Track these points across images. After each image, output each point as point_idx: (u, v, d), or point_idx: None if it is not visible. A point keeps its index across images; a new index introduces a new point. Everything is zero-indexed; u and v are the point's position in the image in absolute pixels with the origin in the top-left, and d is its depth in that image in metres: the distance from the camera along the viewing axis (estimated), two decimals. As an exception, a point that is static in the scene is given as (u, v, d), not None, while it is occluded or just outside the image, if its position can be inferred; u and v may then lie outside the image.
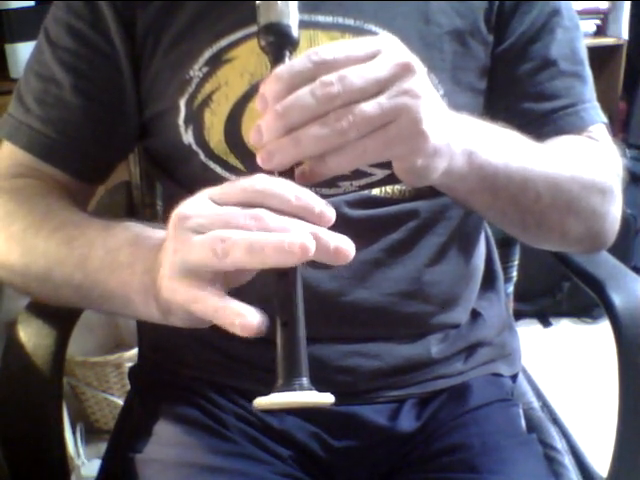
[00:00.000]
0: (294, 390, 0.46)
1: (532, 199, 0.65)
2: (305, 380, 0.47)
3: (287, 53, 0.53)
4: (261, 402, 0.47)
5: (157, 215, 1.02)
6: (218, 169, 0.70)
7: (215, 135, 0.69)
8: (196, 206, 0.48)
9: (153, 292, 0.53)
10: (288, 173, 0.49)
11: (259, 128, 0.48)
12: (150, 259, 0.54)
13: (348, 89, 0.47)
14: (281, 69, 0.49)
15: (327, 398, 0.47)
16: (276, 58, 0.53)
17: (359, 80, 0.47)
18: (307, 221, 0.46)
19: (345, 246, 0.46)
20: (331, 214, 0.47)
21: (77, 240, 0.62)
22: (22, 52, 1.59)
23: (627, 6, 2.28)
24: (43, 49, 0.72)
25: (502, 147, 0.62)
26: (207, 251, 0.46)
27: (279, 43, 0.53)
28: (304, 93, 0.47)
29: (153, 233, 0.57)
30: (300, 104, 0.47)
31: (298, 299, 0.48)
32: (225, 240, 0.45)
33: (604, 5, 2.29)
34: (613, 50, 2.30)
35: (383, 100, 0.48)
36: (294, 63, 0.49)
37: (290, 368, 0.47)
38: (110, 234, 0.60)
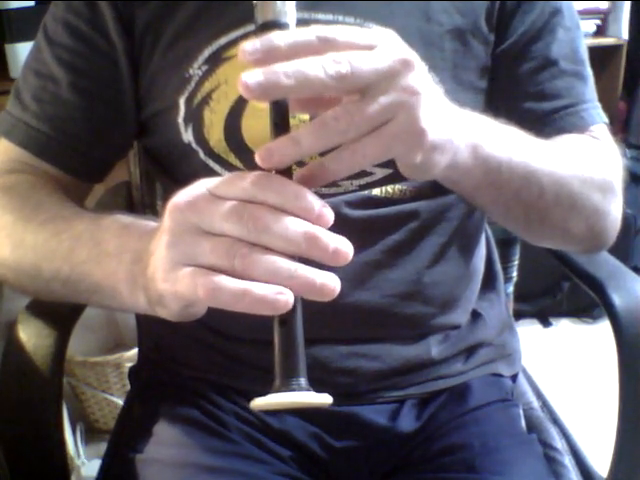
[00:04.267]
0: (292, 390, 0.46)
1: (536, 194, 0.65)
2: (303, 380, 0.47)
3: None
4: (259, 403, 0.47)
5: (157, 215, 1.02)
6: (217, 168, 0.70)
7: (215, 134, 0.69)
8: (193, 198, 0.47)
9: (142, 282, 0.52)
10: (287, 172, 0.49)
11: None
12: (139, 249, 0.53)
13: (356, 72, 0.45)
14: (283, 34, 0.46)
15: (325, 398, 0.47)
16: None
17: (365, 66, 0.45)
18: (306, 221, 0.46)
19: (344, 247, 0.45)
20: (330, 215, 0.46)
21: (65, 233, 0.62)
22: (22, 52, 1.59)
23: (627, 6, 2.28)
24: (41, 47, 0.72)
25: (505, 142, 0.62)
26: (221, 259, 0.45)
27: None
28: (315, 63, 0.45)
29: (142, 223, 0.57)
30: (311, 73, 0.44)
31: (296, 298, 0.48)
32: (245, 256, 0.44)
33: (604, 5, 2.29)
34: (613, 50, 2.29)
35: (381, 98, 0.47)
36: (298, 33, 0.46)
37: (288, 368, 0.47)
38: (98, 226, 0.60)
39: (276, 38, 0.45)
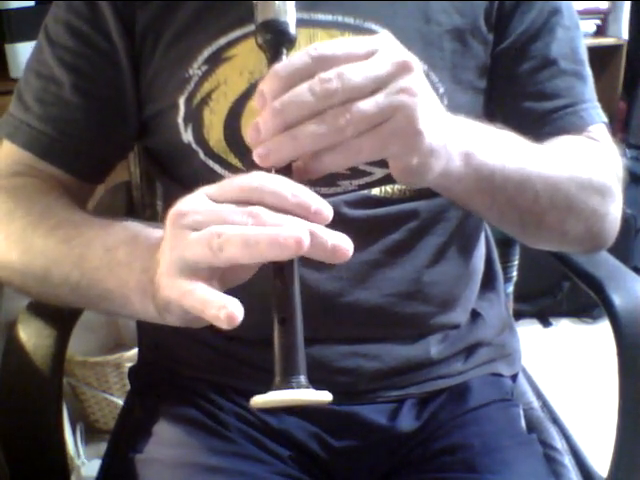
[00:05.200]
0: (291, 388, 0.46)
1: (530, 199, 0.65)
2: (303, 378, 0.47)
3: (284, 51, 0.53)
4: (258, 400, 0.47)
5: (157, 215, 1.02)
6: (217, 168, 0.70)
7: (214, 134, 0.69)
8: (193, 203, 0.48)
9: (151, 291, 0.53)
10: (286, 171, 0.49)
11: (257, 125, 0.48)
12: (148, 258, 0.54)
13: (346, 86, 0.47)
14: (279, 66, 0.48)
15: (324, 396, 0.47)
16: (273, 56, 0.53)
17: (357, 77, 0.47)
18: (304, 219, 0.46)
19: (343, 244, 0.45)
20: (328, 212, 0.47)
21: (75, 239, 0.62)
22: (22, 52, 1.59)
23: (627, 6, 2.28)
24: (43, 48, 0.72)
25: (499, 148, 0.62)
26: (203, 246, 0.45)
27: (276, 41, 0.53)
28: (302, 90, 0.47)
29: (151, 232, 0.57)
30: (298, 101, 0.47)
31: (295, 296, 0.48)
32: (220, 235, 0.45)
33: (604, 5, 2.29)
34: (613, 50, 2.29)
35: (380, 98, 0.48)
36: (293, 60, 0.48)
37: (288, 366, 0.47)
38: (108, 233, 0.60)
39: (274, 75, 0.48)
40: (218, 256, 0.45)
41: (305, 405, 0.47)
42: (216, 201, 0.48)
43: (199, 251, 0.46)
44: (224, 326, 0.45)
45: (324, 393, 0.47)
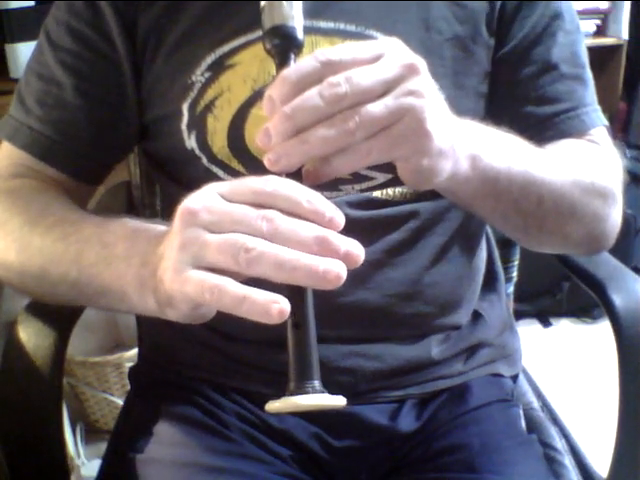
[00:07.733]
0: (307, 393, 0.46)
1: (534, 203, 0.65)
2: (317, 383, 0.47)
3: (292, 55, 0.53)
4: (274, 406, 0.47)
5: (157, 215, 1.02)
6: (221, 173, 0.70)
7: (218, 140, 0.69)
8: (205, 201, 0.47)
9: (151, 285, 0.52)
10: (296, 175, 0.49)
11: (267, 131, 0.48)
12: (148, 252, 0.54)
13: (355, 89, 0.47)
14: (288, 71, 0.49)
15: (339, 401, 0.47)
16: (281, 61, 0.53)
17: (366, 80, 0.47)
18: (317, 225, 0.46)
19: (355, 250, 0.46)
20: (340, 219, 0.47)
21: (72, 236, 0.62)
22: (22, 52, 1.59)
23: (627, 6, 2.28)
24: (44, 50, 0.72)
25: (504, 151, 0.62)
26: (226, 256, 0.45)
27: (284, 45, 0.53)
28: (312, 94, 0.47)
29: (151, 227, 0.57)
30: (308, 105, 0.47)
31: (309, 301, 0.48)
32: (249, 250, 0.44)
33: (604, 5, 2.29)
34: (613, 50, 2.29)
35: (389, 100, 0.48)
36: (301, 64, 0.49)
37: (302, 371, 0.47)
38: (106, 229, 0.60)
39: (283, 80, 0.48)
40: (243, 269, 0.45)
41: (320, 410, 0.47)
42: (228, 200, 0.47)
43: (221, 259, 0.45)
44: (272, 321, 0.44)
45: (339, 398, 0.47)
